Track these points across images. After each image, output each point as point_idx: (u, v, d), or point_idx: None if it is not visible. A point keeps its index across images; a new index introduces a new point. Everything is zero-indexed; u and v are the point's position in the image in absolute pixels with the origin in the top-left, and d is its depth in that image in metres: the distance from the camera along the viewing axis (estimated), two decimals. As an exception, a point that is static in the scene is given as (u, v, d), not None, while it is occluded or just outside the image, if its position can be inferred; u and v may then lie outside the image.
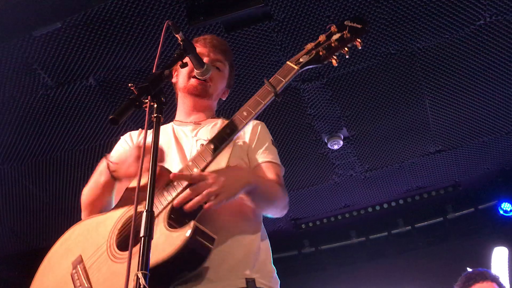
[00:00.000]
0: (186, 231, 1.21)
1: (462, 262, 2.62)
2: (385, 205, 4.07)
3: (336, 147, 3.39)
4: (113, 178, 1.38)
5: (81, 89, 2.87)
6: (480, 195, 4.03)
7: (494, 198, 3.96)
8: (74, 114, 3.02)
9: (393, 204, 4.05)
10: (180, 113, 1.63)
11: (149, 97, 1.14)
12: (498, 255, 3.84)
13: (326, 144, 3.38)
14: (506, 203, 3.87)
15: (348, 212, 4.16)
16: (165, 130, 1.56)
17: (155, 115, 1.13)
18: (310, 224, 4.26)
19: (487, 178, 3.91)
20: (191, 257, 1.23)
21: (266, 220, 4.63)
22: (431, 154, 3.56)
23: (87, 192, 1.44)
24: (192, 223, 1.22)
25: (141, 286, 0.90)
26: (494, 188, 3.96)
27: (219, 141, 1.33)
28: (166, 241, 1.23)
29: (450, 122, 3.30)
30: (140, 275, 0.91)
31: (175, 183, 1.29)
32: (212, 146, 1.31)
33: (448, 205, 4.13)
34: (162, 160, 1.36)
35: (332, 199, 4.01)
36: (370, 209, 4.11)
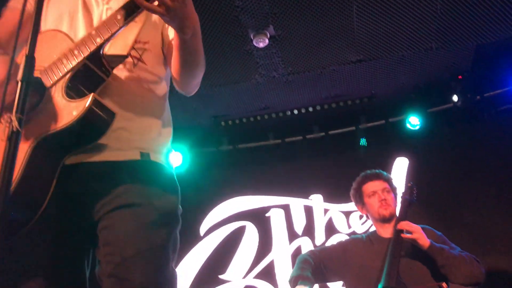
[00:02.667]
0: (85, 103, 1.18)
1: (368, 169, 2.79)
2: (303, 110, 4.17)
3: (261, 45, 3.35)
4: None
5: None
6: (392, 108, 4.24)
7: (404, 112, 4.19)
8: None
9: (311, 109, 4.16)
10: None
11: None
12: (399, 164, 4.16)
13: (251, 41, 3.32)
14: (414, 117, 4.11)
15: (267, 113, 4.23)
16: None
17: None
18: (230, 122, 4.31)
19: (401, 93, 4.10)
20: (88, 130, 1.21)
21: (186, 115, 4.62)
22: (352, 63, 3.63)
23: None
24: (91, 95, 1.19)
25: (14, 129, 0.87)
26: (406, 102, 4.17)
27: (129, 11, 1.23)
28: (63, 111, 1.19)
29: (374, 33, 3.35)
30: (13, 117, 0.88)
31: (76, 52, 1.22)
32: (119, 16, 1.22)
33: (362, 116, 4.32)
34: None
35: (253, 99, 4.05)
36: (288, 113, 4.21)
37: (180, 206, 1.38)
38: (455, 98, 3.96)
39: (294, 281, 2.42)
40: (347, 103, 4.14)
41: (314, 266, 2.55)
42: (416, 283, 2.34)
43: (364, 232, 2.88)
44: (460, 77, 3.89)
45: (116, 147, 1.30)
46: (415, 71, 3.82)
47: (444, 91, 4.04)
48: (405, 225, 2.40)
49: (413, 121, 4.13)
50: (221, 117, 4.23)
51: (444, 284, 2.06)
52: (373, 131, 4.34)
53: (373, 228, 2.76)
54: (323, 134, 4.38)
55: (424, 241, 2.35)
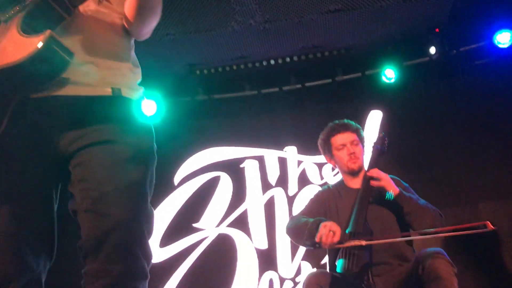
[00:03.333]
0: (40, 39, 1.15)
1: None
2: (280, 61, 4.12)
3: (238, -11, 3.25)
4: None
5: None
6: (369, 61, 4.23)
7: (380, 65, 4.17)
8: None
9: (288, 60, 4.11)
10: None
11: None
12: (373, 117, 4.19)
13: (227, -15, 3.22)
14: (390, 70, 4.11)
15: (243, 63, 4.17)
16: None
17: None
18: (205, 71, 4.23)
19: (378, 45, 4.07)
20: (44, 67, 1.18)
21: (160, 62, 4.51)
22: (331, 13, 3.57)
23: None
24: (47, 32, 1.15)
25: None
26: (382, 55, 4.15)
27: None
28: (17, 46, 1.16)
29: (353, -19, 3.28)
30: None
31: None
32: None
33: (339, 68, 4.30)
34: None
35: (229, 48, 3.97)
36: (265, 63, 4.15)
37: (155, 144, 1.39)
38: (432, 50, 3.95)
39: (312, 224, 2.33)
40: (325, 54, 4.10)
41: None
42: (382, 230, 2.41)
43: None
44: (437, 30, 3.87)
45: (86, 83, 1.28)
46: (393, 22, 3.78)
47: (421, 44, 4.03)
48: (374, 172, 2.44)
49: (389, 74, 4.13)
50: (196, 65, 4.15)
51: (412, 233, 2.11)
52: (349, 84, 4.34)
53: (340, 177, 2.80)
54: (299, 86, 4.35)
55: (393, 188, 2.40)
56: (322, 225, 2.24)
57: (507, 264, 3.58)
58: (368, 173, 2.46)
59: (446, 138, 4.02)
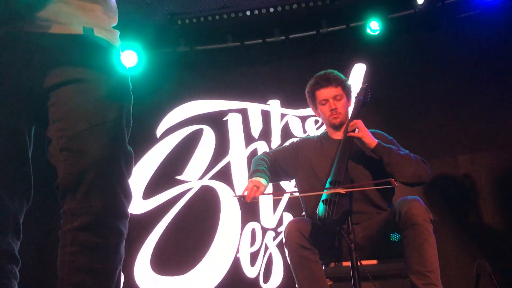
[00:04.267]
0: None
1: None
2: (263, 10, 4.03)
3: None
4: None
5: None
6: (353, 12, 4.16)
7: (365, 17, 4.12)
8: None
9: (271, 10, 4.02)
10: None
11: None
12: (357, 70, 4.18)
13: None
14: (375, 22, 4.06)
15: (226, 13, 4.06)
16: None
17: None
18: (187, 21, 4.13)
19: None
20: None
21: (140, 10, 4.38)
22: (316, -39, 3.47)
23: None
24: None
25: None
26: (367, 7, 4.09)
27: None
28: None
29: None
30: None
31: None
32: None
33: (323, 20, 4.23)
34: None
35: (211, -4, 3.86)
36: (248, 13, 4.05)
37: (130, 83, 1.37)
38: (420, 0, 3.89)
39: (250, 175, 2.48)
40: (309, 5, 4.02)
41: (269, 164, 2.60)
42: (365, 179, 2.44)
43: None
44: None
45: (57, 21, 1.26)
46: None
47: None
48: (352, 124, 2.45)
49: (374, 26, 4.08)
50: (177, 15, 4.04)
51: (393, 181, 2.13)
52: (334, 36, 4.29)
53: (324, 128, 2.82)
54: (283, 37, 4.28)
55: (370, 140, 2.42)
56: (249, 180, 2.40)
57: (482, 213, 3.69)
58: (349, 124, 2.47)
59: (428, 91, 4.04)
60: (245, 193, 2.36)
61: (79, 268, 1.16)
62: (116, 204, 1.22)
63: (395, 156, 2.37)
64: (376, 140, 2.43)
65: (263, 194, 2.38)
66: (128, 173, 1.27)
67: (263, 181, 2.41)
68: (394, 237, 2.30)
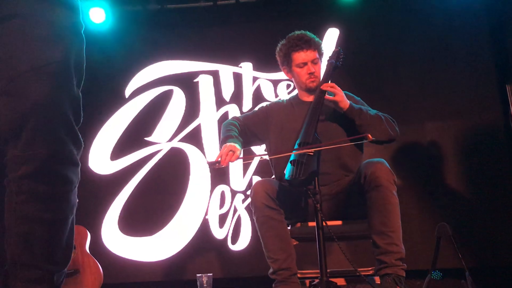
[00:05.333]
0: None
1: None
2: (237, -31, 3.92)
3: None
4: None
5: None
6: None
7: (340, -20, 4.07)
8: None
9: (245, -32, 3.92)
10: None
11: None
12: (330, 35, 4.15)
13: None
14: (349, -14, 4.02)
15: (198, -30, 3.94)
16: None
17: None
18: (157, -22, 3.99)
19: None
20: None
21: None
22: None
23: None
24: None
25: None
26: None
27: None
28: None
29: None
30: None
31: None
32: None
33: (298, -19, 4.16)
34: None
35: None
36: (221, -29, 3.94)
37: (81, 22, 1.26)
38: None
39: (222, 141, 2.45)
40: (284, -34, 3.93)
41: (240, 129, 2.58)
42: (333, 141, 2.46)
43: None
44: None
45: None
46: None
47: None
48: (329, 86, 2.44)
49: (348, -9, 4.04)
50: (148, -30, 3.90)
51: (369, 135, 2.14)
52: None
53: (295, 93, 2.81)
54: (257, -2, 4.20)
55: (345, 103, 2.43)
56: (223, 146, 2.37)
57: (445, 179, 3.80)
58: (322, 87, 2.45)
59: (398, 58, 4.06)
60: (219, 159, 2.31)
61: (26, 217, 1.11)
62: (62, 151, 1.15)
63: (365, 117, 2.42)
64: (349, 102, 2.44)
65: (238, 158, 2.36)
66: (76, 118, 1.20)
67: (237, 145, 2.39)
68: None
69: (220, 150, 2.38)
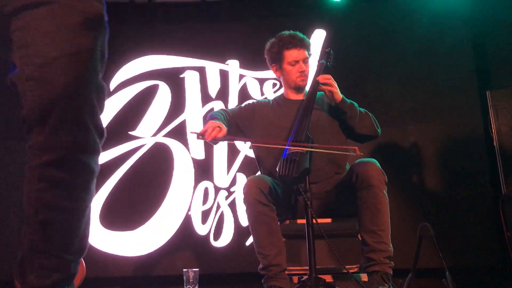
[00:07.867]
0: None
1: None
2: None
3: None
4: None
5: None
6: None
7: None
8: None
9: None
10: None
11: None
12: (317, 36, 4.19)
13: None
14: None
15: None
16: None
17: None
18: (147, -29, 3.95)
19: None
20: None
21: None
22: None
23: None
24: None
25: None
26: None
27: None
28: None
29: None
30: None
31: None
32: None
33: (287, -19, 4.19)
34: None
35: None
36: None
37: (106, 14, 1.25)
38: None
39: (209, 119, 2.44)
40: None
41: (228, 119, 2.58)
42: (323, 138, 2.49)
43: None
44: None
45: None
46: None
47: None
48: (326, 78, 2.49)
49: (336, -8, 4.09)
50: (137, -37, 3.86)
51: (357, 150, 2.19)
52: (295, 0, 4.26)
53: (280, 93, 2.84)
54: (245, -4, 4.20)
55: (339, 95, 2.50)
56: (210, 122, 2.31)
57: (427, 180, 3.90)
58: (318, 79, 2.49)
59: (383, 58, 4.13)
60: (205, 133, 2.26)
61: (47, 205, 1.10)
62: (87, 139, 1.15)
63: (356, 109, 2.52)
64: (341, 95, 2.51)
65: (224, 137, 2.31)
66: (101, 108, 1.19)
67: (224, 125, 2.37)
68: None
69: (205, 125, 2.34)
